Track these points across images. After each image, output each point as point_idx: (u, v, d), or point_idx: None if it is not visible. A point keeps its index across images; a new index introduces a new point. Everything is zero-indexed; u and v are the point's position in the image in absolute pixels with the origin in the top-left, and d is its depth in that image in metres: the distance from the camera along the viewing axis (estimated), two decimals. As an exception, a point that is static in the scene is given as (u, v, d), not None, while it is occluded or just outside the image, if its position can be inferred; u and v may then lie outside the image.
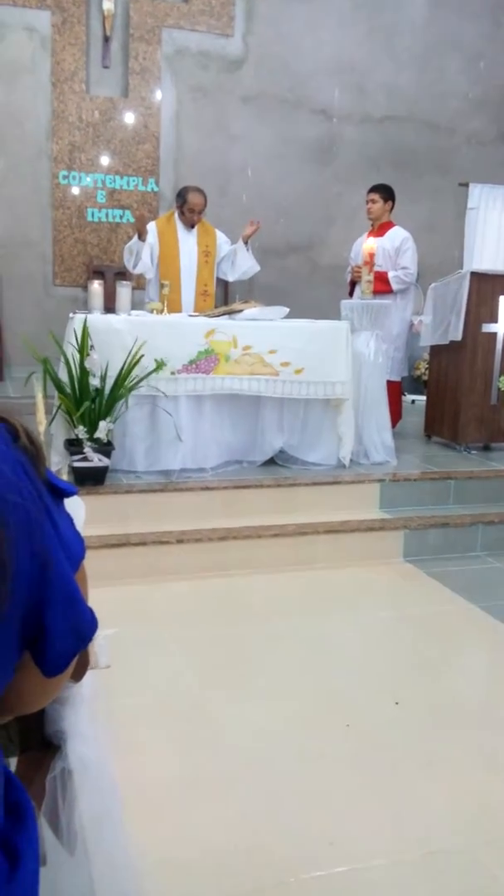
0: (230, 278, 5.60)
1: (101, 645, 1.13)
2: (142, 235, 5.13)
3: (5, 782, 0.81)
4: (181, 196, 5.31)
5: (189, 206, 5.22)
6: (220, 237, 5.45)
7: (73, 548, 0.79)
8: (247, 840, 2.06)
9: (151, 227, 5.29)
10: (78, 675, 1.02)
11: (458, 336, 5.16)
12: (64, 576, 0.76)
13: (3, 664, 0.74)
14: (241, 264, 5.43)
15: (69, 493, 0.81)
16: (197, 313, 5.05)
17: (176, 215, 5.33)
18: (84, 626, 0.81)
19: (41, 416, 2.24)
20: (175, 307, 5.11)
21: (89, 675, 1.10)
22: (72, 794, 1.07)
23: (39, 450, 0.75)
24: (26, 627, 0.75)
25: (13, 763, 1.11)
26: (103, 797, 1.11)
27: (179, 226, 5.30)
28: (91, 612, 0.82)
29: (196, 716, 2.68)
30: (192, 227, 5.31)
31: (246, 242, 5.37)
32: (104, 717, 1.22)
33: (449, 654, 3.31)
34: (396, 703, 2.79)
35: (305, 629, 3.42)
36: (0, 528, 0.65)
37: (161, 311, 4.75)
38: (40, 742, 1.12)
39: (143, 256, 5.15)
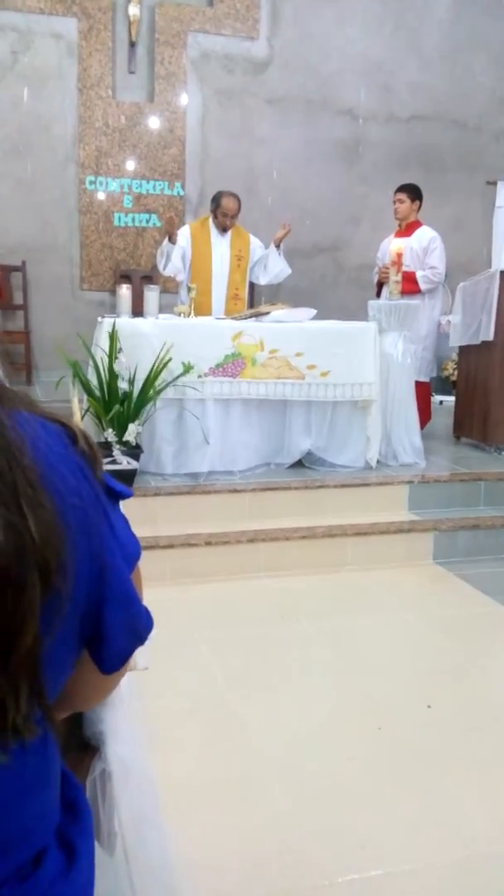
0: (262, 281, 5.63)
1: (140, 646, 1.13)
2: (171, 238, 5.17)
3: (62, 779, 0.83)
4: (215, 200, 5.37)
5: (222, 211, 5.28)
6: (254, 241, 5.49)
7: (129, 548, 0.81)
8: (279, 842, 2.06)
9: (185, 230, 5.37)
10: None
11: (490, 336, 5.12)
12: (120, 576, 0.78)
13: (63, 661, 0.76)
14: (273, 267, 5.46)
15: (125, 496, 0.82)
16: (224, 316, 5.07)
17: (210, 220, 5.38)
18: (140, 625, 0.82)
19: (77, 419, 2.25)
20: (205, 310, 5.14)
21: (126, 677, 1.10)
22: (111, 796, 1.08)
23: (96, 453, 0.77)
24: (85, 626, 0.76)
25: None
26: (142, 799, 1.11)
27: (213, 230, 5.36)
28: (147, 611, 0.84)
29: (226, 717, 2.68)
30: (226, 231, 5.36)
31: (278, 246, 5.39)
32: (140, 719, 1.23)
33: (480, 656, 3.28)
34: (428, 707, 2.78)
35: (335, 632, 3.41)
36: (61, 530, 0.66)
37: (187, 314, 4.77)
38: (79, 744, 1.13)
39: (172, 258, 5.21)
